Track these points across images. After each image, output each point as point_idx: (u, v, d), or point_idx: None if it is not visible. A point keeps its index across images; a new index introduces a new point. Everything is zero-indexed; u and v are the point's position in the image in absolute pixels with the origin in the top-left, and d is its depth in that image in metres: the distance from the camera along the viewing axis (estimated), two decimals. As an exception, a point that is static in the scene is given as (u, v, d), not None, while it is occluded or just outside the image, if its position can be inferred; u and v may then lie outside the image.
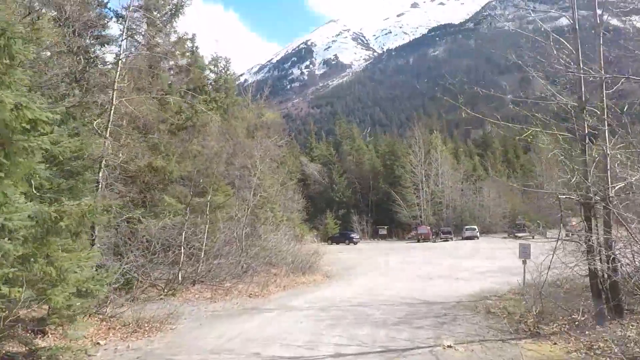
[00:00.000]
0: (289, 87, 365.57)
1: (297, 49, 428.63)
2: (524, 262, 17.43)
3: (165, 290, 15.75)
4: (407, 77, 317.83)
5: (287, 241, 28.95)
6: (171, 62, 23.91)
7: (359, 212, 63.75)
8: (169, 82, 24.37)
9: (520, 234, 51.20)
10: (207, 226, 18.26)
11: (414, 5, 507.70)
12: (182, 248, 16.58)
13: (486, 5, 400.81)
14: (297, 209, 57.10)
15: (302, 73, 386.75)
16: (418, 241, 53.87)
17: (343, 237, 53.75)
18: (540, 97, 13.44)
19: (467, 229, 54.06)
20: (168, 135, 21.82)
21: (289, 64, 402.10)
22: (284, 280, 20.24)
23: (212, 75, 37.02)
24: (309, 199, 64.00)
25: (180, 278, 16.32)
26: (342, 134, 70.91)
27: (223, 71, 37.37)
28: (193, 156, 21.99)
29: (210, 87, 36.33)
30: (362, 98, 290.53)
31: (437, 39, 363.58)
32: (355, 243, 52.08)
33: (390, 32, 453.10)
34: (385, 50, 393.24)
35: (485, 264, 28.07)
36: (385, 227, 63.15)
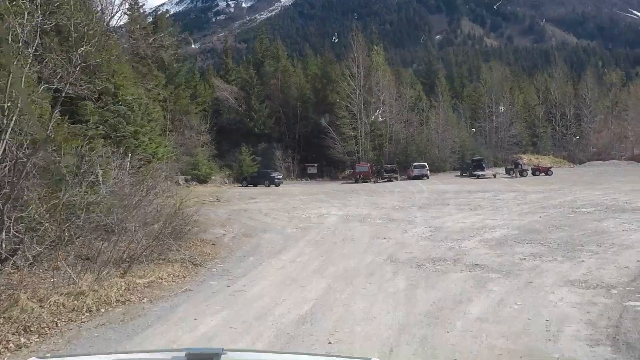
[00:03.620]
0: (214, 20, 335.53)
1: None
2: None
3: None
4: (337, 13, 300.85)
5: (159, 188, 15.71)
6: None
7: (284, 147, 50.96)
8: None
9: (479, 172, 41.00)
10: None
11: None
12: None
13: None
14: (204, 142, 43.57)
15: (228, 5, 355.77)
16: (356, 182, 42.32)
17: (262, 177, 40.94)
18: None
19: (415, 167, 43.01)
20: None
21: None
22: (92, 278, 7.29)
23: None
24: (221, 130, 50.39)
25: None
26: (264, 53, 56.54)
27: None
28: None
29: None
30: (291, 34, 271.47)
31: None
32: (277, 185, 39.59)
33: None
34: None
35: (483, 219, 16.49)
36: (316, 164, 51.02)
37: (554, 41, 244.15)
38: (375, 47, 52.31)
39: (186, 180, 38.18)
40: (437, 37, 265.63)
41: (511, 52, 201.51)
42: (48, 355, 5.06)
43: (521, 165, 42.31)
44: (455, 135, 52.07)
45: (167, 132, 33.67)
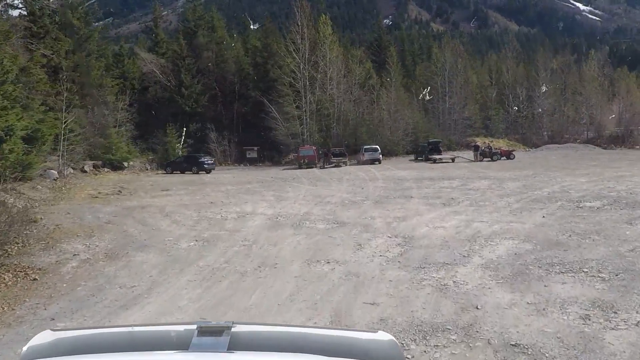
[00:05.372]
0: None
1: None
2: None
3: None
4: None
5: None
6: None
7: (220, 127, 44.66)
8: None
9: (436, 156, 36.64)
10: None
11: None
12: None
13: None
14: (121, 120, 36.80)
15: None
16: (300, 167, 36.85)
17: (189, 162, 34.50)
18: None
19: (366, 150, 37.96)
20: None
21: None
22: None
23: None
24: (147, 109, 43.57)
25: None
26: (197, 22, 49.38)
27: None
28: None
29: None
30: (238, 13, 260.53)
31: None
32: (207, 171, 33.44)
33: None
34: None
35: (468, 221, 11.47)
36: (256, 148, 45.07)
37: (497, 28, 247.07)
38: (322, 15, 46.39)
39: (95, 167, 31.45)
40: (385, 20, 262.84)
41: (457, 37, 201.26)
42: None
43: (491, 149, 38.06)
44: (408, 116, 47.47)
45: (64, 107, 26.78)
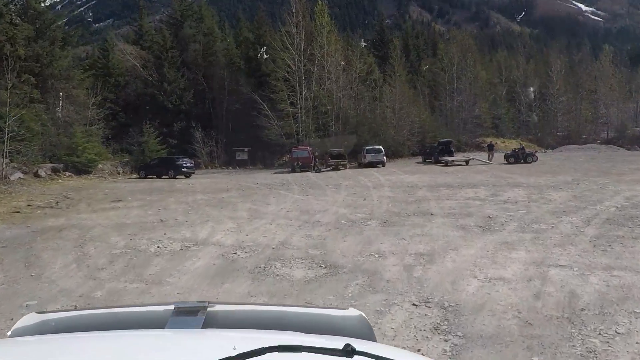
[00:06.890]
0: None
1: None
2: None
3: None
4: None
5: None
6: None
7: (207, 126, 40.15)
8: None
9: (448, 158, 32.09)
10: None
11: None
12: None
13: None
14: (91, 118, 32.28)
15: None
16: (293, 170, 32.31)
17: (165, 165, 29.81)
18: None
19: (368, 151, 33.36)
20: None
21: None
22: None
23: None
24: (128, 106, 39.07)
25: None
26: (184, 12, 44.79)
27: None
28: None
29: None
30: (238, 14, 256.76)
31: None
32: (186, 175, 28.91)
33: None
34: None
35: (539, 267, 6.83)
36: (246, 149, 40.54)
37: (499, 28, 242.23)
38: (319, 2, 41.62)
39: (55, 171, 26.92)
40: (387, 21, 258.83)
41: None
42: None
43: (524, 150, 33.22)
44: (414, 114, 42.89)
45: (9, 101, 22.30)
